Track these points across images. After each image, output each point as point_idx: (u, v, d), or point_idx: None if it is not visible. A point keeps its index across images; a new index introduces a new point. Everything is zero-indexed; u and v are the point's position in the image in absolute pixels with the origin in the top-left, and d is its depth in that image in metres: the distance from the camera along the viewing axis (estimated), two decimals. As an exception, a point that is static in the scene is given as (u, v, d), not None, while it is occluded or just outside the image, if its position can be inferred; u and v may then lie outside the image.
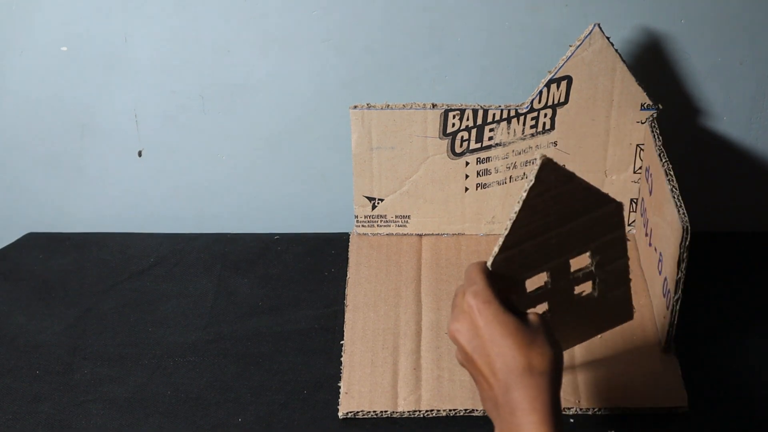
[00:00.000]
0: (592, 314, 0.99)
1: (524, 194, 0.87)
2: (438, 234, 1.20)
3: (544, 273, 0.93)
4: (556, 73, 1.09)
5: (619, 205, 0.93)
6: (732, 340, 1.08)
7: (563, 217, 0.90)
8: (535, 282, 0.93)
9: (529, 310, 0.86)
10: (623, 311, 1.01)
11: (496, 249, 0.89)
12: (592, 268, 0.96)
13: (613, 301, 1.00)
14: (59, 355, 1.08)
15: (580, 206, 0.90)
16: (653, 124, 1.11)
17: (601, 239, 0.94)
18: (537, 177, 0.86)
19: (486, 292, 0.83)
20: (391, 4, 1.12)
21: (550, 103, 1.11)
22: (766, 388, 1.03)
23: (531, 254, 0.91)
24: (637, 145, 1.13)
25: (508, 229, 0.88)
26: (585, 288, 0.98)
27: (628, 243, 0.97)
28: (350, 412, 0.99)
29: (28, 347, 1.09)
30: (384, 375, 1.03)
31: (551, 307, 0.95)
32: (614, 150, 1.14)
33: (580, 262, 0.96)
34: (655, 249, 1.06)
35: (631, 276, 0.99)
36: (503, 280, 0.88)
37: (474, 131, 1.12)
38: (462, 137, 1.13)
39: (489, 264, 0.90)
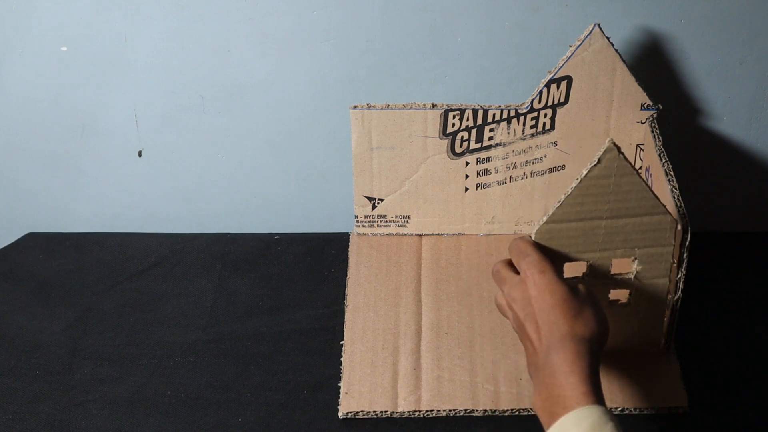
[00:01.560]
0: (620, 325, 1.00)
1: (584, 172, 0.89)
2: (438, 234, 1.20)
3: (584, 264, 0.94)
4: (556, 73, 1.09)
5: (673, 221, 0.94)
6: (732, 339, 1.08)
7: (615, 211, 0.93)
8: (573, 270, 0.95)
9: (579, 284, 0.90)
10: (651, 335, 1.02)
11: (543, 218, 0.92)
12: (632, 277, 0.96)
13: (644, 321, 1.00)
14: (59, 355, 1.08)
15: (634, 206, 0.92)
16: (653, 124, 1.11)
17: (647, 249, 0.95)
18: (599, 159, 0.89)
19: (541, 263, 0.89)
20: (390, 4, 1.12)
21: (550, 103, 1.11)
22: (766, 389, 1.02)
23: (576, 237, 0.93)
24: (638, 145, 1.13)
25: (560, 202, 0.92)
26: (620, 296, 0.99)
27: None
28: (350, 413, 0.99)
29: (28, 347, 1.09)
30: (384, 375, 1.03)
31: None
32: (614, 150, 1.14)
33: (622, 267, 0.97)
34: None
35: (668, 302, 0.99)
36: (546, 254, 0.91)
37: (474, 131, 1.12)
38: (462, 137, 1.13)
39: (533, 233, 0.93)
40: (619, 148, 0.90)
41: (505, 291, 0.91)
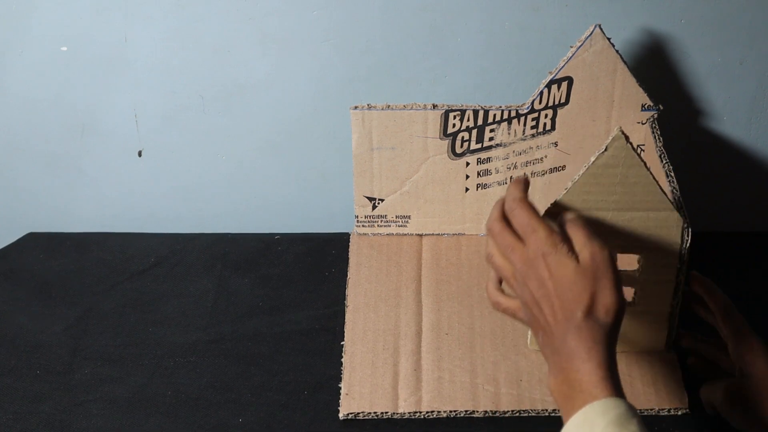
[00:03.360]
0: (624, 328, 1.00)
1: (592, 159, 0.88)
2: (438, 234, 1.20)
3: None
4: (556, 74, 1.09)
5: (680, 219, 0.94)
6: (732, 340, 1.08)
7: (622, 204, 0.92)
8: None
9: (592, 248, 0.84)
10: (655, 337, 1.02)
11: (550, 205, 0.91)
12: (637, 274, 0.96)
13: (648, 323, 1.00)
14: (60, 355, 1.08)
15: (641, 199, 0.91)
16: (654, 125, 1.11)
17: (652, 246, 0.94)
18: (607, 146, 0.88)
19: (550, 239, 0.84)
20: (390, 4, 1.12)
21: (550, 103, 1.11)
22: (766, 389, 1.03)
23: None
24: (638, 146, 1.13)
25: (567, 190, 0.90)
26: (625, 295, 0.99)
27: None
28: (351, 413, 0.99)
29: (28, 347, 1.09)
30: (384, 376, 1.03)
31: None
32: (615, 150, 1.14)
33: (627, 264, 0.96)
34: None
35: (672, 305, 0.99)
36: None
37: (474, 132, 1.12)
38: (462, 138, 1.13)
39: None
40: (627, 137, 0.89)
41: (516, 264, 0.86)
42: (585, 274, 0.83)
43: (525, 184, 0.89)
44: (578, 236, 0.85)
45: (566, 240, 0.85)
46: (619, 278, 0.84)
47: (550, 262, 0.83)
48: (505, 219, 0.88)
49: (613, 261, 0.84)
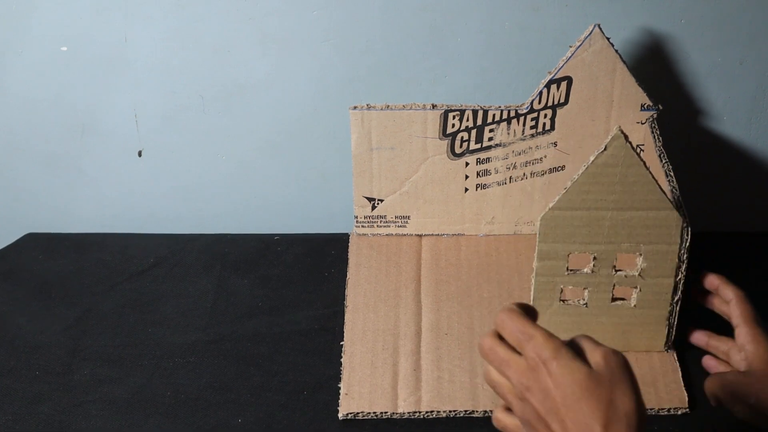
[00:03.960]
0: (623, 327, 1.00)
1: (591, 158, 0.89)
2: (438, 234, 1.20)
3: (591, 260, 0.95)
4: (556, 73, 1.09)
5: (679, 219, 0.94)
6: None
7: (621, 203, 0.92)
8: (579, 262, 0.96)
9: (604, 349, 0.74)
10: (654, 337, 1.02)
11: (550, 204, 0.91)
12: (636, 274, 0.96)
13: (648, 322, 1.00)
14: (59, 355, 1.08)
15: (640, 198, 0.92)
16: (653, 125, 1.11)
17: (652, 245, 0.95)
18: (606, 146, 0.88)
19: (551, 344, 0.73)
20: (390, 4, 1.12)
21: (550, 103, 1.11)
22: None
23: (581, 227, 0.93)
24: (638, 146, 1.13)
25: (567, 189, 0.91)
26: (624, 295, 0.99)
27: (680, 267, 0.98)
28: (350, 413, 0.99)
29: (27, 348, 1.09)
30: (384, 376, 1.03)
31: (589, 300, 0.97)
32: (614, 150, 1.14)
33: (628, 263, 0.97)
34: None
35: (672, 304, 0.99)
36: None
37: (474, 132, 1.12)
38: (462, 138, 1.13)
39: (539, 217, 0.93)
40: (626, 137, 0.89)
41: (513, 378, 0.75)
42: (599, 380, 0.71)
43: (518, 306, 0.78)
44: (586, 341, 0.75)
45: (570, 345, 0.74)
46: (637, 384, 0.73)
47: (553, 369, 0.72)
48: (498, 336, 0.77)
49: (629, 365, 0.73)
